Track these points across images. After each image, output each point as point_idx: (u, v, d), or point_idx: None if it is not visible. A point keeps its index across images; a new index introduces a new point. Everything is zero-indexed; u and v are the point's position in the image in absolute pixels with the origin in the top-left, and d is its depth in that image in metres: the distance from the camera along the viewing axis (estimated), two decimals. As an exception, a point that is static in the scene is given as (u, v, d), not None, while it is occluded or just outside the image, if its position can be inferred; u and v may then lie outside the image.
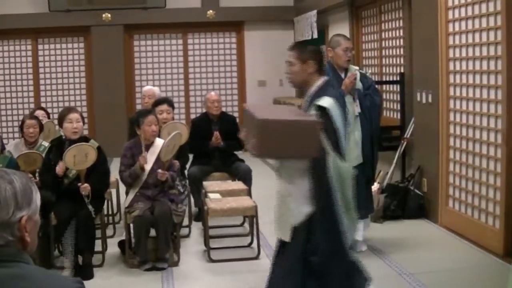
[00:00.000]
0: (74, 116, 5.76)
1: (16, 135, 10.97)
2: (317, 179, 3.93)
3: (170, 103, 7.32)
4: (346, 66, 5.99)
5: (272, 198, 8.62)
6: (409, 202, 7.22)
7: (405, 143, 7.73)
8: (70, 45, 12.92)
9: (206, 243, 6.14)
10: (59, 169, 5.58)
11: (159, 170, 5.87)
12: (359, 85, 5.93)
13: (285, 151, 3.96)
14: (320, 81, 4.16)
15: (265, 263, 5.88)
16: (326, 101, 3.97)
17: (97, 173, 5.72)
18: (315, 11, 10.99)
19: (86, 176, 5.63)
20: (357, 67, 6.27)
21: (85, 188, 5.57)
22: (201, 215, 6.91)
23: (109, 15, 12.41)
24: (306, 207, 3.94)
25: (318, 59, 4.18)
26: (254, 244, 6.20)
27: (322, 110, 3.95)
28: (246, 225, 6.93)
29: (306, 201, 3.94)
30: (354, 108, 5.85)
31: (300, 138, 3.84)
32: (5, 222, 1.78)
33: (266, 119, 3.95)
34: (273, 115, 4.14)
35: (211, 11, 12.75)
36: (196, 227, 7.04)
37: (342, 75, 5.96)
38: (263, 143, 3.91)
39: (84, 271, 5.54)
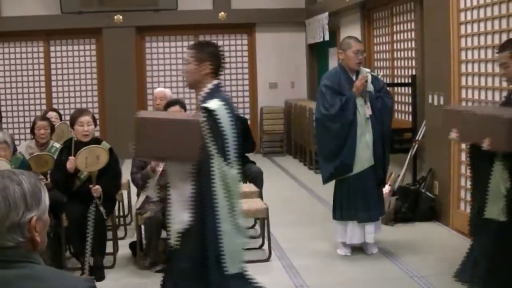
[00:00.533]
0: (85, 118, 5.75)
1: (28, 136, 11.01)
2: (199, 183, 3.81)
3: (183, 105, 7.29)
4: (357, 69, 5.98)
5: (283, 200, 8.63)
6: (420, 205, 7.20)
7: (416, 145, 7.72)
8: (82, 47, 12.98)
9: (217, 245, 6.13)
10: (70, 164, 5.57)
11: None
12: (370, 87, 5.92)
13: (163, 152, 3.88)
14: (212, 84, 4.06)
15: (277, 265, 5.89)
16: (213, 104, 3.87)
17: (109, 175, 5.73)
18: (326, 13, 10.99)
19: (98, 178, 5.64)
20: (368, 70, 6.27)
21: (96, 190, 5.58)
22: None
23: (120, 17, 12.46)
24: (186, 213, 3.84)
25: (215, 62, 4.07)
26: (265, 246, 6.20)
27: (209, 112, 3.85)
28: (257, 227, 6.92)
29: (187, 207, 3.83)
30: (365, 110, 5.84)
31: (179, 139, 3.75)
32: (15, 223, 1.78)
33: (143, 117, 3.91)
34: (155, 115, 4.05)
35: (222, 13, 12.77)
36: (207, 229, 7.02)
37: (353, 77, 5.94)
38: (141, 142, 3.86)
39: (95, 273, 5.56)
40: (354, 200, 5.91)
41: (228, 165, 3.87)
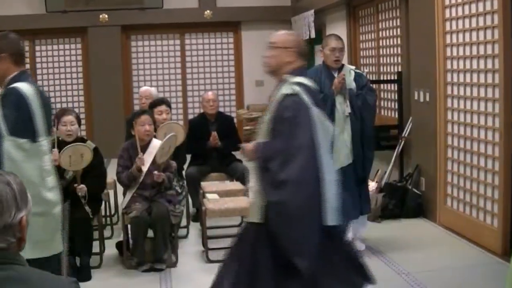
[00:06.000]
0: (68, 118, 5.75)
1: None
2: None
3: (168, 104, 7.31)
4: (335, 66, 5.93)
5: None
6: (407, 201, 7.21)
7: (403, 142, 7.73)
8: (67, 46, 12.90)
9: (204, 244, 6.13)
10: (54, 156, 5.47)
11: (155, 172, 5.85)
12: (352, 84, 5.86)
13: None
14: (15, 72, 3.87)
15: (263, 263, 5.87)
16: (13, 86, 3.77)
17: (93, 174, 5.70)
18: (312, 11, 10.98)
19: (83, 177, 5.60)
20: (353, 67, 6.23)
21: (81, 189, 5.54)
22: (199, 216, 6.90)
23: (106, 16, 12.40)
24: None
25: (13, 50, 3.87)
26: (252, 244, 6.18)
27: (6, 92, 3.73)
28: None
29: None
30: (344, 108, 5.77)
31: None
32: (8, 224, 1.79)
33: None
34: None
35: (208, 11, 12.74)
36: (194, 227, 7.03)
37: (335, 75, 5.92)
38: None
39: (82, 273, 5.53)
40: None
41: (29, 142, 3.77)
